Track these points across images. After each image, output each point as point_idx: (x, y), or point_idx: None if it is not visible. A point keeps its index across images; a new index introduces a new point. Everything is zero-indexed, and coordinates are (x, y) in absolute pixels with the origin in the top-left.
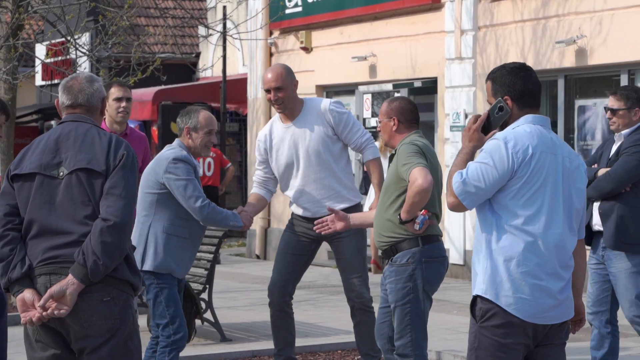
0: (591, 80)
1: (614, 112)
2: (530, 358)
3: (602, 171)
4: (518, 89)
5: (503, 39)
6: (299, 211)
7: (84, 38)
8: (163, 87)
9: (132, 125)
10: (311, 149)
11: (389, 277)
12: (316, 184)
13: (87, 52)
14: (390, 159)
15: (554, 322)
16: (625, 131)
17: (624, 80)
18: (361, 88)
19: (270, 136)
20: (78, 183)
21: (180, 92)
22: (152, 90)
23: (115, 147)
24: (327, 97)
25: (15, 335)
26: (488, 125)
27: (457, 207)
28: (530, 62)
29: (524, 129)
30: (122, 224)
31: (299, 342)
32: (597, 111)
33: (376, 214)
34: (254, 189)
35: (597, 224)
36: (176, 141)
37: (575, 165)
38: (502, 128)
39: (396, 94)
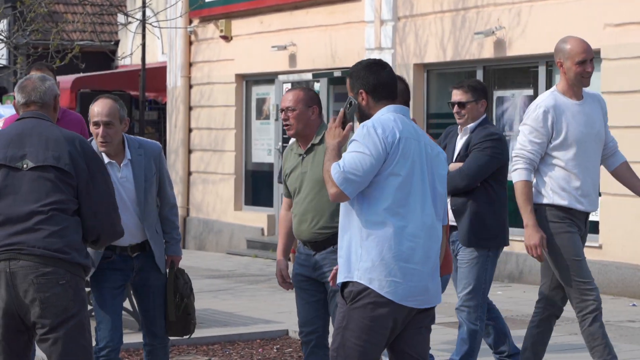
0: (509, 72)
1: (462, 105)
2: (396, 342)
3: (452, 166)
4: (371, 82)
5: (422, 30)
6: None
7: (2, 25)
8: (82, 74)
9: None
10: None
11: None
12: None
13: (5, 39)
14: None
15: (424, 306)
16: (471, 125)
17: (541, 72)
18: (281, 77)
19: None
20: (44, 178)
21: (99, 80)
22: (70, 78)
23: (81, 146)
24: (247, 86)
25: None
26: (345, 121)
27: (339, 196)
28: (449, 53)
29: (388, 116)
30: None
31: (218, 331)
32: (515, 102)
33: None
34: None
35: (450, 220)
36: None
37: (436, 153)
38: (361, 121)
39: (315, 84)
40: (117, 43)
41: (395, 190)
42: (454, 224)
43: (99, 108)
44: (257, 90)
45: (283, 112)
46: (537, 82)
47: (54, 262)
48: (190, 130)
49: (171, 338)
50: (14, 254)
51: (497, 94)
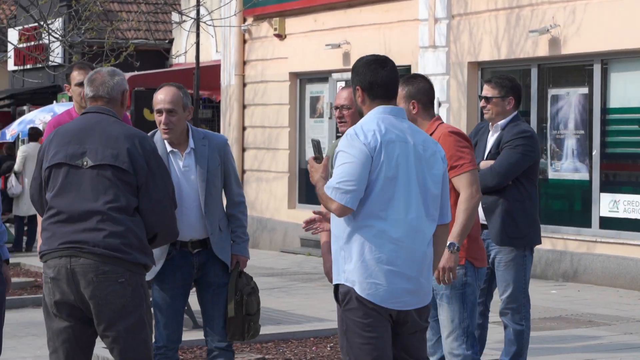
0: (564, 70)
1: (487, 100)
2: (396, 344)
3: (484, 164)
4: (367, 80)
5: (477, 28)
6: None
7: (57, 23)
8: (136, 73)
9: None
10: None
11: None
12: None
13: (60, 38)
14: None
15: (411, 308)
16: (502, 122)
17: (596, 70)
18: (334, 75)
19: None
20: (103, 176)
21: (153, 79)
22: (125, 77)
23: (140, 144)
24: (300, 84)
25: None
26: (319, 158)
27: (343, 210)
28: (503, 51)
29: (370, 120)
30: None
31: (272, 329)
32: (570, 100)
33: None
34: None
35: (480, 218)
36: None
37: (431, 152)
38: (360, 117)
39: None
40: (171, 41)
41: (377, 193)
42: (484, 222)
43: (162, 95)
44: (311, 89)
45: (337, 110)
46: (592, 81)
47: (113, 261)
48: (244, 128)
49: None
50: (75, 252)
51: (552, 92)
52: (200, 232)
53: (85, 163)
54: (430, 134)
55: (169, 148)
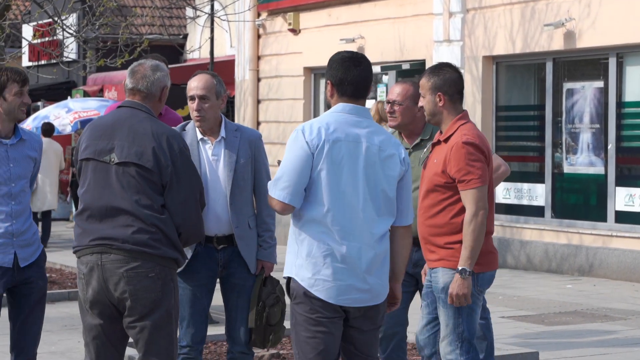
0: (579, 63)
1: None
2: (343, 341)
3: None
4: (339, 76)
5: (492, 22)
6: None
7: (71, 19)
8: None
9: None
10: None
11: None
12: None
13: (74, 33)
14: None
15: (359, 305)
16: None
17: (612, 64)
18: None
19: None
20: (128, 174)
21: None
22: None
23: (168, 143)
24: (315, 79)
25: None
26: None
27: (283, 207)
28: (518, 45)
29: (323, 117)
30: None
31: (288, 324)
32: (585, 94)
33: None
34: None
35: None
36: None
37: (388, 155)
38: (328, 109)
39: (383, 77)
40: (185, 37)
41: (320, 191)
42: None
43: (195, 82)
44: None
45: (389, 105)
46: (608, 74)
47: (143, 256)
48: (258, 123)
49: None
50: (105, 248)
51: (567, 86)
52: (226, 227)
53: (112, 159)
54: (448, 137)
55: (199, 136)
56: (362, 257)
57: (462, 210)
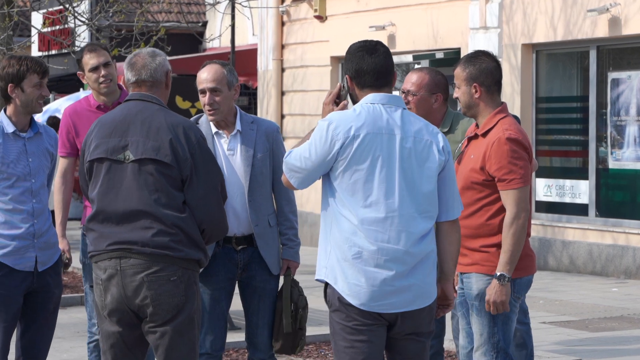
0: (625, 51)
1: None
2: (387, 348)
3: None
4: (354, 67)
5: (531, 7)
6: None
7: (83, 6)
8: (167, 58)
9: None
10: None
11: None
12: None
13: (87, 21)
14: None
15: (399, 310)
16: None
17: None
18: None
19: None
20: (146, 171)
21: (185, 64)
22: None
23: (185, 134)
24: (342, 69)
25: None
26: (340, 98)
27: (287, 184)
28: (559, 32)
29: (354, 109)
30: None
31: (313, 330)
32: (631, 84)
33: None
34: None
35: None
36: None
37: (425, 145)
38: (353, 104)
39: (416, 66)
40: (204, 24)
41: (355, 187)
42: None
43: (204, 74)
44: None
45: (404, 95)
46: None
47: (164, 259)
48: (282, 116)
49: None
50: (124, 253)
51: (612, 75)
52: (245, 226)
53: (127, 157)
54: (487, 131)
55: (214, 129)
56: (400, 259)
57: (500, 210)
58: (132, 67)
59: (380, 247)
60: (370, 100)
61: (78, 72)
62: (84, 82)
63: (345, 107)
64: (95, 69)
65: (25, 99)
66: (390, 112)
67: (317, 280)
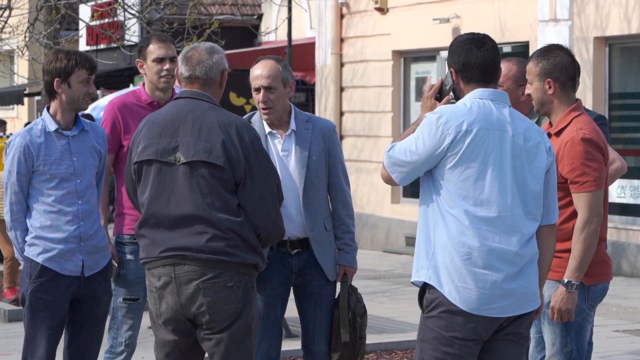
0: None
1: None
2: (484, 350)
3: None
4: (461, 61)
5: None
6: None
7: None
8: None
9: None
10: None
11: None
12: None
13: (137, 14)
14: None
15: (506, 315)
16: None
17: None
18: (443, 54)
19: None
20: (198, 174)
21: (240, 59)
22: None
23: (238, 134)
24: (405, 63)
25: None
26: (441, 94)
27: (388, 179)
28: (634, 25)
29: (464, 103)
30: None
31: (373, 338)
32: None
33: None
34: None
35: None
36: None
37: (534, 144)
38: (456, 100)
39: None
40: (260, 17)
41: (466, 184)
42: None
43: (258, 70)
44: (417, 69)
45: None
46: None
47: (220, 264)
48: (341, 113)
49: None
50: (178, 259)
51: None
52: (300, 229)
53: (178, 159)
54: (560, 130)
55: (267, 129)
56: (509, 260)
57: (574, 214)
58: (187, 61)
59: (491, 247)
60: (479, 95)
61: (137, 60)
62: (142, 71)
63: (448, 102)
64: (160, 61)
65: (71, 96)
66: (499, 109)
67: (413, 282)
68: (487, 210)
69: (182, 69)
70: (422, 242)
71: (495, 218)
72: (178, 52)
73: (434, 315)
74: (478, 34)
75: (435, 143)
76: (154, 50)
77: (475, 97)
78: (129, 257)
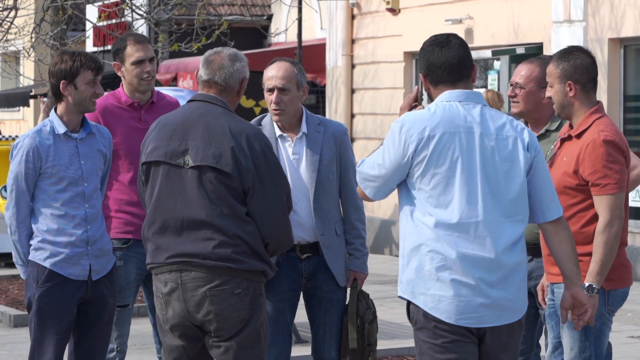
0: None
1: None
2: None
3: None
4: (424, 64)
5: None
6: None
7: None
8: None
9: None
10: None
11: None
12: None
13: (145, 15)
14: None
15: (488, 325)
16: None
17: None
18: None
19: None
20: (206, 179)
21: (250, 60)
22: None
23: (248, 142)
24: (417, 65)
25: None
26: (417, 103)
27: (363, 196)
28: None
29: (429, 108)
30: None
31: (385, 344)
32: None
33: None
34: None
35: None
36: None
37: (510, 141)
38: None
39: (495, 62)
40: (270, 18)
41: (435, 192)
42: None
43: (273, 71)
44: None
45: (511, 88)
46: None
47: (227, 271)
48: (352, 115)
49: None
50: (185, 266)
51: None
52: (310, 234)
53: (186, 162)
54: (581, 132)
55: (278, 132)
56: (484, 267)
57: (595, 218)
58: (208, 65)
59: (464, 255)
60: (446, 97)
61: (114, 63)
62: (119, 74)
63: (413, 108)
64: (139, 63)
65: (78, 97)
66: (468, 109)
67: (399, 297)
68: (458, 217)
69: (202, 71)
70: (400, 254)
71: (467, 224)
72: (193, 54)
73: (420, 327)
74: (442, 34)
75: (400, 152)
76: (132, 52)
77: (441, 100)
78: (118, 263)
